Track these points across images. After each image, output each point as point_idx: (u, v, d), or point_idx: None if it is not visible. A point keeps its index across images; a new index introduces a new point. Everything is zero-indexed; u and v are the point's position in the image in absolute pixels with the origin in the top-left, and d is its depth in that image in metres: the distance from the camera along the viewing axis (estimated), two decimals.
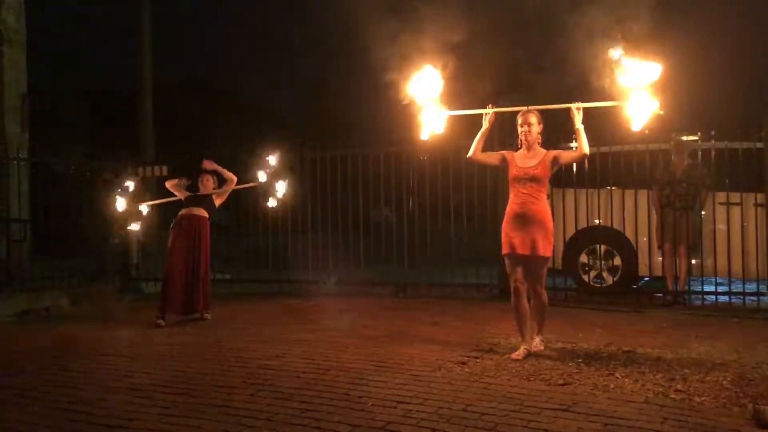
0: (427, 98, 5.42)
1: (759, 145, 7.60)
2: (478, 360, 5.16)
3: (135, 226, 7.53)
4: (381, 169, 9.39)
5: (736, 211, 7.89)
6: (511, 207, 5.34)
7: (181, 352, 5.71)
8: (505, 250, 5.35)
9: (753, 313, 7.27)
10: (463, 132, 8.70)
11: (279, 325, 6.95)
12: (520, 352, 5.18)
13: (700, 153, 8.08)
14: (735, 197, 7.87)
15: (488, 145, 8.58)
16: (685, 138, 8.06)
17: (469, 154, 5.54)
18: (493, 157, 5.60)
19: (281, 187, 7.21)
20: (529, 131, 5.30)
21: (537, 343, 5.37)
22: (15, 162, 10.12)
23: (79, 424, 3.88)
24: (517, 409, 3.94)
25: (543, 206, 5.29)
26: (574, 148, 5.44)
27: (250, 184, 7.43)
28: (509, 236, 5.29)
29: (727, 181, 7.81)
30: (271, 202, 7.31)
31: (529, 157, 5.33)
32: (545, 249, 5.23)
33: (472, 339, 5.96)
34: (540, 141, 5.38)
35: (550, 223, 5.33)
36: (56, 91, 21.70)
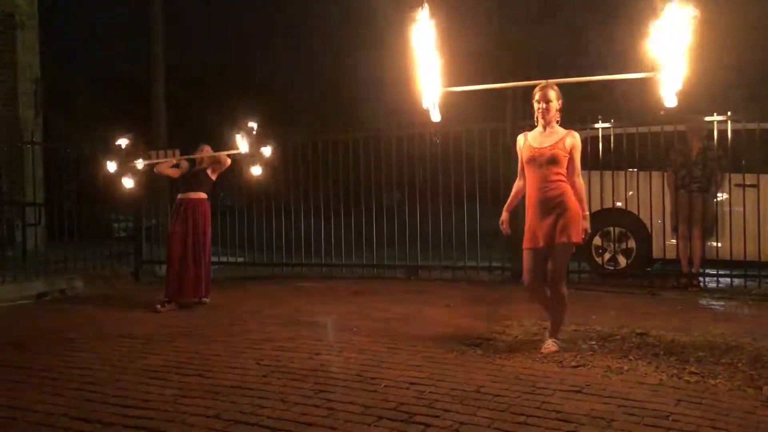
0: (430, 75, 4.79)
1: None
2: (490, 342, 5.15)
3: (129, 183, 7.20)
4: (393, 152, 9.36)
5: (752, 193, 7.80)
6: (530, 194, 4.83)
7: (194, 334, 5.75)
8: (527, 245, 4.82)
9: None
10: (479, 112, 8.69)
11: (292, 307, 6.98)
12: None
13: (716, 134, 7.97)
14: (751, 179, 7.77)
15: (501, 128, 8.64)
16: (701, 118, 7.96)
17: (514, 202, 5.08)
18: (522, 159, 4.96)
19: (265, 153, 7.02)
20: (547, 108, 4.77)
21: (549, 345, 4.83)
22: (29, 146, 10.18)
23: (94, 404, 3.92)
24: (529, 391, 3.93)
25: (565, 188, 4.73)
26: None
27: (234, 151, 7.09)
28: (533, 229, 4.78)
29: (743, 162, 7.72)
30: (256, 170, 7.14)
31: (545, 136, 4.81)
32: (572, 234, 4.68)
33: (485, 321, 5.95)
34: (558, 119, 4.85)
35: (576, 205, 4.74)
36: (69, 75, 21.78)
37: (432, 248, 9.12)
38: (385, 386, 4.07)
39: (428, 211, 9.20)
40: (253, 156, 7.01)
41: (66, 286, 8.53)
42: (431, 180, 9.31)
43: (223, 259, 10.26)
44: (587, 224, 4.78)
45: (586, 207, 4.84)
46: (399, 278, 9.12)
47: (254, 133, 6.94)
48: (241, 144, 6.87)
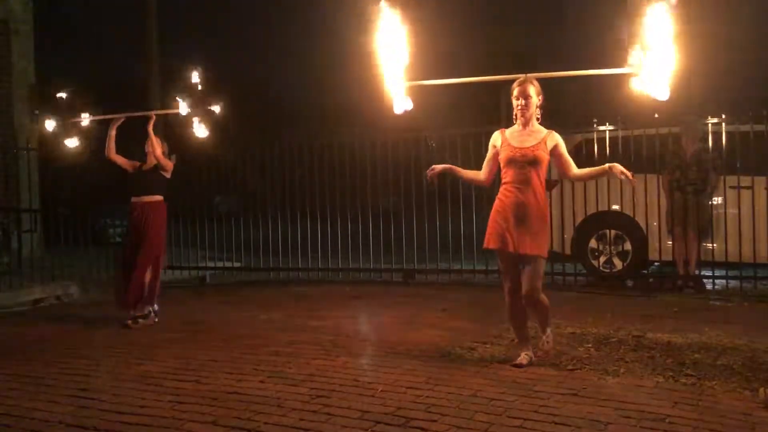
0: (393, 68, 4.43)
1: None
2: (487, 346, 5.16)
3: (73, 143, 6.48)
4: (389, 156, 9.36)
5: (747, 194, 7.82)
6: (505, 195, 4.51)
7: (190, 340, 5.74)
8: (494, 245, 4.51)
9: (764, 297, 7.22)
10: (473, 116, 8.70)
11: (288, 312, 6.97)
12: (522, 359, 4.54)
13: (710, 136, 7.99)
14: (746, 181, 7.80)
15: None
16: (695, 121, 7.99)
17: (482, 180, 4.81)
18: (492, 161, 4.68)
19: (214, 111, 6.32)
20: (527, 105, 4.45)
21: (545, 341, 4.66)
22: (25, 152, 10.16)
23: (90, 411, 3.91)
24: (526, 394, 3.94)
25: (542, 195, 4.50)
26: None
27: (172, 111, 6.52)
28: (501, 228, 4.47)
29: (738, 164, 7.74)
30: (201, 132, 6.47)
31: (526, 135, 4.51)
32: (542, 247, 4.48)
33: (481, 325, 5.95)
34: (539, 117, 4.55)
35: (548, 216, 4.61)
36: (65, 80, 21.75)
37: (429, 252, 9.12)
38: (382, 391, 4.07)
39: (424, 215, 9.20)
40: (198, 116, 6.38)
41: (62, 293, 8.51)
42: (427, 183, 9.30)
43: (219, 264, 10.25)
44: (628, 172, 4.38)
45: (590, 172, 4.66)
46: (396, 282, 9.12)
47: (198, 88, 6.28)
48: (182, 105, 6.30)
